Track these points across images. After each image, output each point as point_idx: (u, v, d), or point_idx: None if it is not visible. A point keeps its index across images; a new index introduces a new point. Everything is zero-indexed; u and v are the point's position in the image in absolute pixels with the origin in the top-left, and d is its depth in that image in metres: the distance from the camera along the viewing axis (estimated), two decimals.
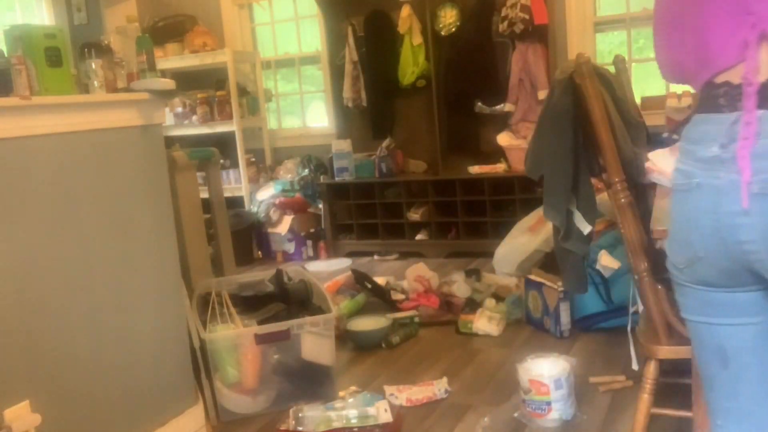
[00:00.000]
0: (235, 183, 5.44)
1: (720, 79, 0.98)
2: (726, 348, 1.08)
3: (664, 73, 1.14)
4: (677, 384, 2.08)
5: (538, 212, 3.82)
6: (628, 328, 1.97)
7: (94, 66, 2.04)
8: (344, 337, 3.13)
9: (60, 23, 5.24)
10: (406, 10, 4.75)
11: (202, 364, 2.46)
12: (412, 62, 4.80)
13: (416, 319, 3.28)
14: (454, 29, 4.68)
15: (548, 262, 3.44)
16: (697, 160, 0.98)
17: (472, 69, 4.63)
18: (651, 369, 1.78)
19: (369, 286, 3.63)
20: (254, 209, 5.20)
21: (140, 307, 2.12)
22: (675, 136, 2.28)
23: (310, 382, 2.53)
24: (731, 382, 1.10)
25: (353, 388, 2.57)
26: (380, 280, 3.72)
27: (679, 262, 1.08)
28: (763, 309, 1.06)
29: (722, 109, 0.97)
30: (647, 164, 1.87)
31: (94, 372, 1.97)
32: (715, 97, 0.98)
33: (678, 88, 4.37)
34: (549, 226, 3.32)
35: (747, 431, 1.12)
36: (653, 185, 1.89)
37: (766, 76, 0.94)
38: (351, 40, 4.99)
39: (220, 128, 5.32)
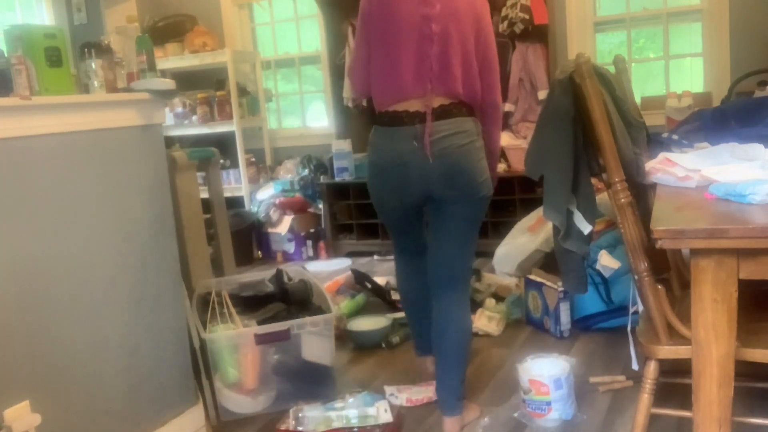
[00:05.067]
0: (235, 183, 5.44)
1: (401, 108, 2.14)
2: (401, 223, 2.41)
3: (360, 93, 2.36)
4: (677, 384, 2.08)
5: (538, 212, 3.82)
6: (628, 328, 1.97)
7: (94, 66, 2.04)
8: (344, 337, 3.13)
9: (60, 23, 5.24)
10: None
11: (202, 364, 2.46)
12: None
13: None
14: None
15: (548, 262, 3.44)
16: (399, 151, 2.18)
17: None
18: (651, 369, 1.78)
19: (369, 286, 3.63)
20: (254, 209, 5.20)
21: (140, 307, 2.12)
22: (675, 137, 2.28)
23: (310, 382, 2.53)
24: (401, 233, 2.46)
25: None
26: (380, 280, 3.71)
27: (387, 196, 2.33)
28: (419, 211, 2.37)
29: (406, 123, 2.14)
30: (649, 164, 1.87)
31: (94, 372, 1.97)
32: (401, 117, 2.16)
33: (678, 88, 4.38)
34: (549, 226, 3.32)
35: (411, 244, 2.47)
36: (653, 185, 1.89)
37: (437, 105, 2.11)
38: (351, 40, 4.98)
39: (220, 128, 5.32)
